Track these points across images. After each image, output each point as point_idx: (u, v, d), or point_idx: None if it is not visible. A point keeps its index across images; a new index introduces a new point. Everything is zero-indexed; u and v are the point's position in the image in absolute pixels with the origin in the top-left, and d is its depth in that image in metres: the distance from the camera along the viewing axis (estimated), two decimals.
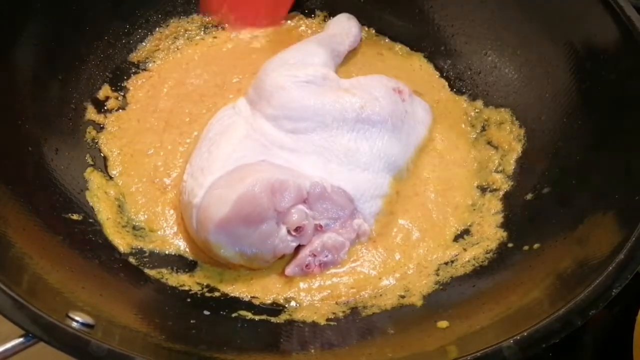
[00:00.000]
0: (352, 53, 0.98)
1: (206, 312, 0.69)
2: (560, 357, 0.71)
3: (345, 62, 0.97)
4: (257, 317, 0.69)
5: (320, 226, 0.75)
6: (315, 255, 0.74)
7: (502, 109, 0.88)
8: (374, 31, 1.02)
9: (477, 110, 0.91)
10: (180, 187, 0.79)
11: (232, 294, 0.73)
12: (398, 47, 1.00)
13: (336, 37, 0.95)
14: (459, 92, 0.94)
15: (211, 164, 0.75)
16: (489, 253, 0.73)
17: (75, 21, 0.84)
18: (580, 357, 0.73)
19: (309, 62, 0.87)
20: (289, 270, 0.74)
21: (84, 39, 0.86)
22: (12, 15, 0.75)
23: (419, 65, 0.98)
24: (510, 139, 0.85)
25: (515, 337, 0.50)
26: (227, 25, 1.00)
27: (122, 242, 0.75)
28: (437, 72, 0.97)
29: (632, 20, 0.71)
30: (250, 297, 0.73)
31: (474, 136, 0.89)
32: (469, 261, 0.74)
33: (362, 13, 1.01)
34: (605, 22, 0.74)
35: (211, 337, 0.65)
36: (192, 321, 0.67)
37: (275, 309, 0.72)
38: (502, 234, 0.75)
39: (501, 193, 0.81)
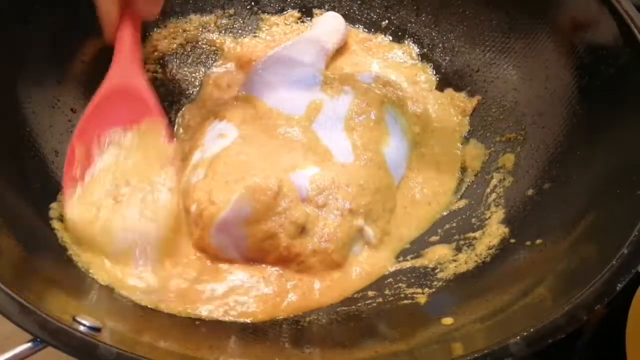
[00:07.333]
0: (341, 51, 0.98)
1: None
2: (560, 357, 0.72)
3: (335, 60, 0.97)
4: None
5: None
6: None
7: None
8: (365, 29, 1.02)
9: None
10: (177, 193, 0.78)
11: None
12: (386, 42, 1.00)
13: (324, 35, 0.94)
14: (458, 89, 0.94)
15: (205, 167, 0.74)
16: (491, 249, 0.73)
17: (74, 23, 0.83)
18: (577, 357, 0.73)
19: (299, 61, 0.87)
20: None
21: (82, 41, 0.85)
22: (11, 17, 0.75)
23: (413, 63, 0.98)
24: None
25: (522, 333, 0.50)
26: None
27: None
28: (431, 68, 0.97)
29: (630, 14, 0.71)
30: None
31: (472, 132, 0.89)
32: (471, 257, 0.74)
33: (357, 11, 1.02)
34: (603, 17, 0.74)
35: (215, 338, 0.65)
36: (196, 322, 0.67)
37: None
38: (504, 230, 0.75)
39: (502, 189, 0.81)
